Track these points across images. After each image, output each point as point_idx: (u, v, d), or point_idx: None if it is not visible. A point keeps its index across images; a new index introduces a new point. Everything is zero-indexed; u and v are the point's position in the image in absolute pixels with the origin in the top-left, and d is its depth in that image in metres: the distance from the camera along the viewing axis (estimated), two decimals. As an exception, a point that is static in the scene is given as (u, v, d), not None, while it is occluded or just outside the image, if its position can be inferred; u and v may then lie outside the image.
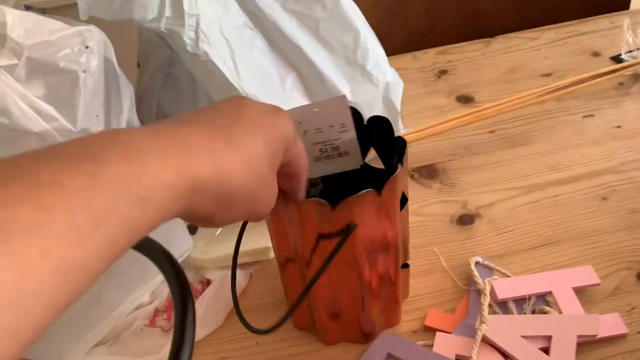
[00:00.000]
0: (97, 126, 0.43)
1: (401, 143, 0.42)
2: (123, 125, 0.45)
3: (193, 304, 0.31)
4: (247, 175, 0.28)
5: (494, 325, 0.46)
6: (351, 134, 0.42)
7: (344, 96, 0.40)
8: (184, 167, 0.25)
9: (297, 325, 0.50)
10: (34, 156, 0.22)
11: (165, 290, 0.54)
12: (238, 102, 0.32)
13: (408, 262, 0.49)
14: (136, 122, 0.48)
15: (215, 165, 0.27)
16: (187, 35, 0.46)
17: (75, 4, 0.45)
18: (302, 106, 0.41)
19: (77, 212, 0.21)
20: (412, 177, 0.63)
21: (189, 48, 0.47)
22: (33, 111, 0.38)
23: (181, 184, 0.25)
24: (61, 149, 0.23)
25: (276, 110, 0.33)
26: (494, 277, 0.51)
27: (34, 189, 0.21)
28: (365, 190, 0.38)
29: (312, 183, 0.47)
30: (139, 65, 0.61)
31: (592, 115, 0.68)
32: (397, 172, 0.40)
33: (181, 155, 0.26)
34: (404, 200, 0.43)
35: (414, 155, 0.65)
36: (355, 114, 0.43)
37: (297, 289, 0.43)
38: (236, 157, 0.28)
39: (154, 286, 0.54)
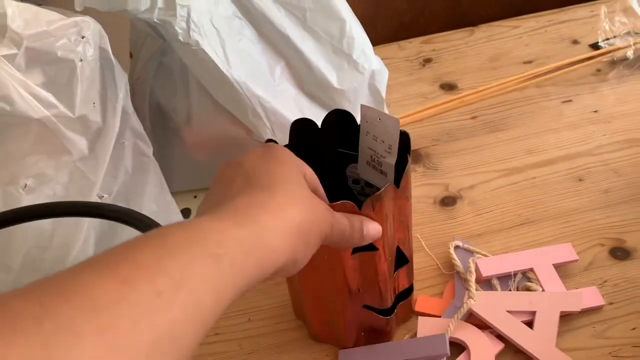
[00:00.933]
0: (94, 113, 0.45)
1: (405, 137, 0.42)
2: (119, 111, 0.47)
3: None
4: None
5: (480, 301, 0.48)
6: (393, 159, 0.42)
7: (398, 120, 0.41)
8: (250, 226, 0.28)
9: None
10: (97, 258, 0.23)
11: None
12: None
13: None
14: (131, 110, 0.50)
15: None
16: (179, 26, 0.48)
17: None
18: (373, 109, 0.42)
19: (156, 278, 0.21)
20: (397, 161, 0.66)
21: (180, 38, 0.49)
22: (33, 98, 0.39)
23: (249, 235, 0.27)
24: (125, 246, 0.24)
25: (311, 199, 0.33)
26: (477, 256, 0.53)
27: (112, 267, 0.21)
28: (386, 185, 0.39)
29: (354, 179, 0.49)
30: (131, 55, 0.63)
31: (571, 101, 0.71)
32: (408, 163, 0.41)
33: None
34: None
35: (399, 141, 0.68)
36: (403, 137, 0.43)
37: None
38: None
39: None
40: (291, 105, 0.59)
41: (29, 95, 0.39)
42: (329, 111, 0.46)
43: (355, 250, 0.41)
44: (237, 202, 0.29)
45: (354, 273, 0.43)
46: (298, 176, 0.33)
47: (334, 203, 0.37)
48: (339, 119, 0.46)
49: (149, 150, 0.52)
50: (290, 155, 0.35)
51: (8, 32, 0.38)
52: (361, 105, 0.42)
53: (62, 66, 0.42)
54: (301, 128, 0.45)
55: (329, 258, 0.42)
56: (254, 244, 0.27)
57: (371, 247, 0.41)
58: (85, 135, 0.45)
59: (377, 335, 0.48)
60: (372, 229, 0.39)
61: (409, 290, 0.50)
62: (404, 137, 0.42)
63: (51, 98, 0.40)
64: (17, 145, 0.41)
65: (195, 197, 0.64)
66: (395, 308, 0.48)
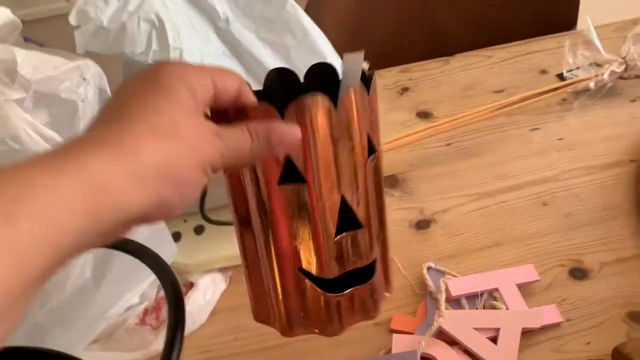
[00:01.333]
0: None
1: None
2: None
3: (184, 308, 0.37)
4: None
5: (450, 319, 0.53)
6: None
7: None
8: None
9: (257, 318, 0.43)
10: None
11: (152, 292, 0.60)
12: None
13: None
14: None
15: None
16: (172, 66, 0.53)
17: (69, 35, 0.51)
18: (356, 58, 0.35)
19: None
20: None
21: (173, 77, 0.53)
22: (39, 137, 0.43)
23: (71, 183, 0.24)
24: None
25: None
26: (448, 277, 0.58)
27: None
28: (315, 93, 0.33)
29: None
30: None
31: (538, 129, 0.76)
32: (353, 86, 0.34)
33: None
34: (370, 149, 0.37)
35: (378, 167, 0.72)
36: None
37: (256, 263, 0.39)
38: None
39: (143, 288, 0.59)
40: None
41: (36, 134, 0.43)
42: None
43: (283, 180, 0.35)
44: (73, 142, 0.26)
45: (283, 211, 0.36)
46: (179, 103, 0.29)
47: (254, 106, 0.33)
48: (323, 74, 0.38)
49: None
50: (179, 76, 0.29)
51: (18, 77, 0.42)
52: (344, 54, 0.35)
53: (66, 107, 0.46)
54: (279, 77, 0.39)
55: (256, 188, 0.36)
56: (78, 192, 0.24)
57: (300, 179, 0.35)
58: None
59: (320, 323, 0.40)
60: (284, 132, 0.32)
61: (368, 271, 0.39)
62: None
63: (56, 136, 0.44)
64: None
65: (185, 221, 0.68)
66: (344, 287, 0.38)
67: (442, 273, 0.58)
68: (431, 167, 0.72)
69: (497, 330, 0.52)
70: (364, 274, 0.39)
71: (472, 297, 0.56)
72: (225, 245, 0.63)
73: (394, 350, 0.52)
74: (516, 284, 0.56)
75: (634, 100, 0.78)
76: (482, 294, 0.55)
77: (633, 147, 0.71)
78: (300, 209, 0.36)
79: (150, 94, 0.29)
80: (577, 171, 0.69)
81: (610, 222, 0.63)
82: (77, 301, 0.54)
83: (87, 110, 0.47)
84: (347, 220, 0.37)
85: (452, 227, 0.64)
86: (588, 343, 0.52)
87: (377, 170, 0.38)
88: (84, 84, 0.47)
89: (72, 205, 0.24)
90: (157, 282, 0.60)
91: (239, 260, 0.64)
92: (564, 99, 0.79)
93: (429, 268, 0.59)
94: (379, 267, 0.40)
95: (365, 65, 0.36)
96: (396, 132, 0.76)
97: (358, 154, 0.36)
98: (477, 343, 0.51)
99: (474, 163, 0.72)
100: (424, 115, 0.80)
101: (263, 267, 0.39)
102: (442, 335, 0.52)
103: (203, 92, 0.30)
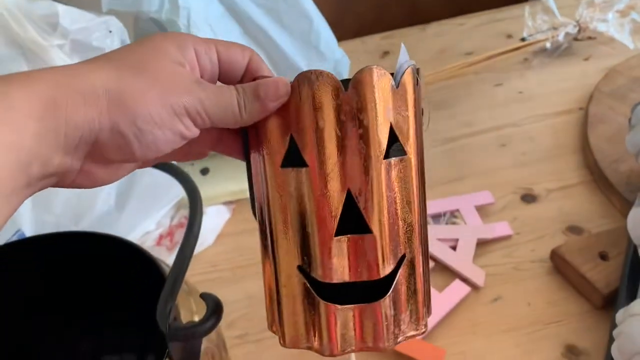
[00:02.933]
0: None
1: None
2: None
3: (201, 203, 0.47)
4: None
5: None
6: None
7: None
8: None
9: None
10: None
11: (167, 221, 0.70)
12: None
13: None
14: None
15: None
16: (182, 22, 0.62)
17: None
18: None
19: None
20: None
21: (183, 31, 0.63)
22: (77, 76, 0.53)
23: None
24: None
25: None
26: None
27: None
28: (321, 70, 0.31)
29: None
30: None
31: (502, 84, 0.86)
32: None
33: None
34: (398, 149, 0.33)
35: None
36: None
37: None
38: None
39: (159, 217, 0.70)
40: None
41: (74, 74, 0.53)
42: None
43: (286, 164, 0.32)
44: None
45: (284, 198, 0.33)
46: (163, 53, 0.30)
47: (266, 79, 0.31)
48: None
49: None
50: (178, 45, 0.30)
51: (59, 27, 0.52)
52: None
53: (96, 54, 0.55)
54: None
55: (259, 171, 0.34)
56: (32, 99, 0.26)
57: (302, 163, 0.32)
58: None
59: (319, 334, 0.33)
60: (271, 84, 0.31)
61: (381, 289, 0.33)
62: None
63: (89, 77, 0.54)
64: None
65: (192, 164, 0.78)
66: (345, 298, 0.33)
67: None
68: (407, 119, 0.82)
69: (457, 240, 0.62)
70: (377, 291, 0.33)
71: (437, 217, 0.66)
72: (229, 183, 0.73)
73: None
74: (474, 206, 0.66)
75: (586, 59, 0.88)
76: (444, 214, 0.66)
77: (582, 97, 0.81)
78: (300, 197, 0.32)
79: (139, 49, 0.30)
80: (533, 118, 0.79)
81: (559, 158, 0.73)
82: (103, 225, 0.64)
83: (114, 56, 0.56)
84: (356, 222, 0.32)
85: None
86: (533, 250, 0.63)
87: (405, 176, 0.33)
88: (110, 36, 0.56)
89: (26, 112, 0.25)
90: (171, 212, 0.71)
91: (241, 195, 0.74)
92: (525, 59, 0.89)
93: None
94: (403, 294, 0.33)
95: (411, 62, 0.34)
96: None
97: (371, 146, 0.31)
98: (440, 250, 0.61)
99: (443, 114, 0.82)
100: (402, 75, 0.90)
101: (268, 264, 0.35)
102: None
103: (204, 60, 0.31)
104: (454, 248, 0.62)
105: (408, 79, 0.33)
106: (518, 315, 0.57)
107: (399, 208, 0.33)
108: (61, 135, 0.27)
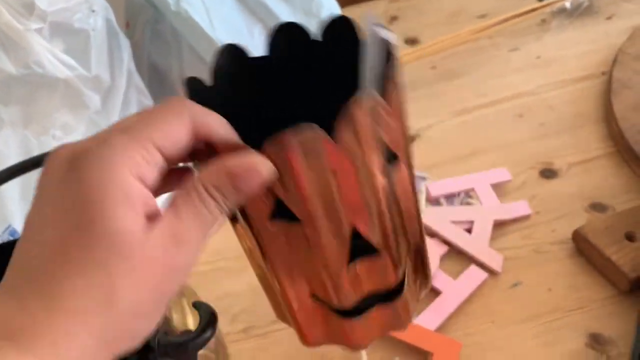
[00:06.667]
0: (105, 74, 0.55)
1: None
2: (124, 72, 0.57)
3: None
4: None
5: (429, 214, 0.59)
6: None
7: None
8: None
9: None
10: None
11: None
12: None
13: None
14: (134, 70, 0.60)
15: None
16: (172, -4, 0.58)
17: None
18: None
19: None
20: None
21: (172, 7, 0.59)
22: (58, 62, 0.49)
23: None
24: None
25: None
26: (430, 181, 0.64)
27: None
28: (304, 125, 0.25)
29: None
30: (127, 25, 0.73)
31: (518, 49, 0.81)
32: (363, 93, 0.26)
33: None
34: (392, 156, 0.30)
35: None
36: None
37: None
38: None
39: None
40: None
41: (55, 60, 0.49)
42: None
43: (275, 215, 0.29)
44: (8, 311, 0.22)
45: (281, 248, 0.30)
46: (117, 242, 0.23)
47: (221, 145, 0.26)
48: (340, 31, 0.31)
49: (149, 104, 0.62)
50: (106, 178, 0.23)
51: (36, 9, 0.48)
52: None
53: (79, 36, 0.51)
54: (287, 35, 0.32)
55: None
56: None
57: (293, 217, 0.28)
58: (99, 93, 0.55)
59: (341, 340, 0.34)
60: (248, 172, 0.25)
61: (394, 291, 0.33)
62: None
63: (72, 62, 0.50)
64: (48, 102, 0.51)
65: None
66: (363, 310, 0.32)
67: (424, 179, 0.65)
68: (417, 90, 0.78)
69: (472, 223, 0.59)
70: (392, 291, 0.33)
71: (451, 198, 0.62)
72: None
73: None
74: (490, 184, 0.62)
75: (609, 18, 0.82)
76: (459, 193, 0.62)
77: (605, 61, 0.76)
78: (298, 247, 0.29)
79: (74, 246, 0.23)
80: (552, 85, 0.74)
81: (580, 129, 0.69)
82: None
83: (98, 38, 0.52)
84: (360, 245, 0.30)
85: (435, 141, 0.70)
86: (553, 230, 0.59)
87: (401, 178, 0.31)
88: (93, 15, 0.52)
89: None
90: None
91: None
92: (543, 20, 0.84)
93: (413, 175, 0.65)
94: (413, 274, 0.34)
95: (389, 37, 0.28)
96: (384, 58, 0.81)
97: (371, 185, 0.28)
98: (454, 233, 0.58)
99: (457, 83, 0.77)
100: (412, 42, 0.85)
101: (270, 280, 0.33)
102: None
103: (150, 178, 0.24)
104: (469, 231, 0.58)
105: (394, 90, 0.29)
106: (538, 302, 0.54)
107: (403, 217, 0.32)
108: None
